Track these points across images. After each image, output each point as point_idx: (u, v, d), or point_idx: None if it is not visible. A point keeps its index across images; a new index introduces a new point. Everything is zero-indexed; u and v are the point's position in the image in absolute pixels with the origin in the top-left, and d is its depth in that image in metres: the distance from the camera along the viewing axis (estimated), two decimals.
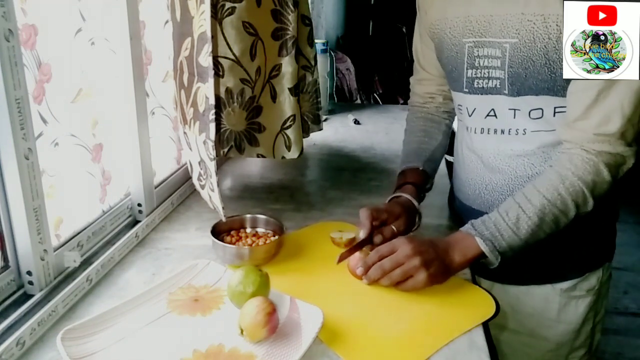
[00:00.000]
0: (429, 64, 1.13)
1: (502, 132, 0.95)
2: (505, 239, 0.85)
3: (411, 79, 1.21)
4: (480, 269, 0.94)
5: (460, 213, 1.11)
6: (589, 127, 0.83)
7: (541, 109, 0.89)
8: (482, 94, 0.95)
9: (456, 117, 1.14)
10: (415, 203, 1.02)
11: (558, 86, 0.86)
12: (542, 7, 0.83)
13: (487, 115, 0.96)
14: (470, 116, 0.98)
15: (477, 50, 0.93)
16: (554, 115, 0.89)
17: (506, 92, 0.91)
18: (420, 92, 1.19)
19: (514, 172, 0.96)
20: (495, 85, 0.92)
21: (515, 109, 0.92)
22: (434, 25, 1.01)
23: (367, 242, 0.93)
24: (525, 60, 0.87)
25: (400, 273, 0.83)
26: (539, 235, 0.86)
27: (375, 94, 4.21)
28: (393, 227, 0.96)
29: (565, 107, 0.88)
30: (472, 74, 0.95)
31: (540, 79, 0.86)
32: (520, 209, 0.85)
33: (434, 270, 0.83)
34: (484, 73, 0.93)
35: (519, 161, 0.94)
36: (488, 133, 0.96)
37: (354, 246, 0.93)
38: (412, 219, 1.01)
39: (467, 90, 0.97)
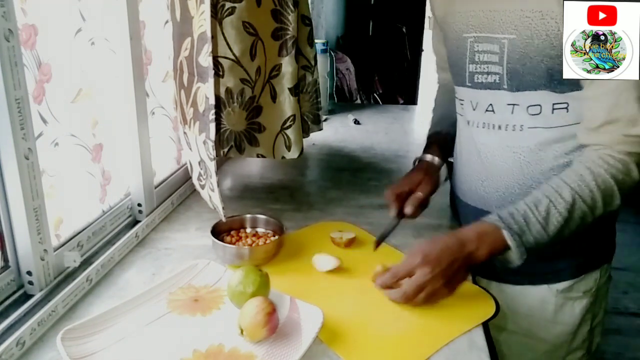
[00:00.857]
0: (441, 54, 1.17)
1: (500, 127, 0.95)
2: (534, 234, 0.81)
3: (435, 62, 1.28)
4: (478, 267, 0.94)
5: (457, 210, 1.11)
6: (616, 129, 0.82)
7: (539, 105, 0.90)
8: (481, 89, 0.95)
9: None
10: (437, 160, 1.09)
11: (555, 82, 0.86)
12: (540, 4, 0.83)
13: (486, 110, 0.96)
14: (474, 110, 0.99)
15: (477, 45, 0.93)
16: (552, 112, 0.89)
17: (505, 87, 0.91)
18: (441, 76, 1.26)
19: (510, 169, 0.95)
20: (495, 80, 0.93)
21: (514, 104, 0.92)
22: (441, 20, 1.04)
23: (400, 218, 1.00)
24: (523, 57, 0.87)
25: (425, 297, 0.81)
26: (563, 233, 0.83)
27: (375, 94, 4.21)
28: (419, 193, 1.01)
29: (564, 104, 0.88)
30: (473, 68, 0.95)
31: (537, 75, 0.87)
32: (551, 203, 0.82)
33: (456, 280, 0.82)
34: (483, 68, 0.94)
35: (515, 158, 0.94)
36: (487, 128, 0.97)
37: (391, 227, 0.99)
38: (436, 178, 1.06)
39: (469, 84, 0.97)
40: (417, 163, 1.12)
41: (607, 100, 0.82)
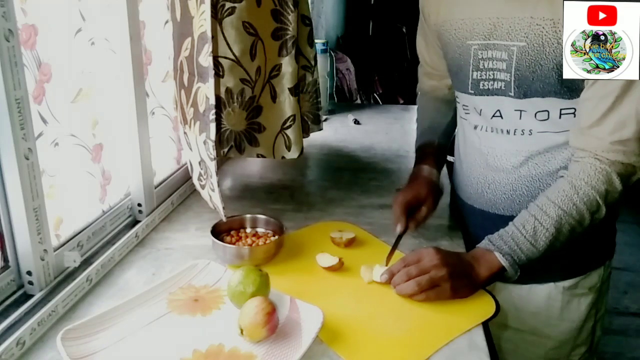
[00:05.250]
0: (433, 62, 1.15)
1: (508, 132, 0.95)
2: (524, 252, 0.85)
3: (419, 68, 1.25)
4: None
5: (461, 212, 1.11)
6: (604, 133, 0.83)
7: (547, 111, 0.90)
8: (487, 95, 0.95)
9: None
10: (436, 174, 1.06)
11: (565, 88, 0.86)
12: (551, 12, 0.83)
13: (493, 115, 0.96)
14: (480, 115, 0.99)
15: (482, 53, 0.93)
16: (560, 117, 0.90)
17: (512, 94, 0.91)
18: (427, 84, 1.23)
19: (518, 171, 0.96)
20: (501, 87, 0.92)
21: (521, 110, 0.92)
22: (440, 27, 1.01)
23: (404, 232, 0.99)
24: (533, 64, 0.87)
25: (428, 279, 0.82)
26: (555, 246, 0.86)
27: (375, 94, 4.21)
28: (425, 210, 1.00)
29: (571, 109, 0.88)
30: (477, 75, 0.95)
31: (547, 82, 0.87)
32: (537, 221, 0.85)
33: (460, 283, 0.83)
34: (489, 75, 0.93)
35: (523, 161, 0.95)
36: (494, 132, 0.97)
37: (396, 241, 0.97)
38: (437, 197, 1.04)
39: (472, 91, 0.97)
40: (417, 169, 1.08)
41: (601, 102, 0.82)
